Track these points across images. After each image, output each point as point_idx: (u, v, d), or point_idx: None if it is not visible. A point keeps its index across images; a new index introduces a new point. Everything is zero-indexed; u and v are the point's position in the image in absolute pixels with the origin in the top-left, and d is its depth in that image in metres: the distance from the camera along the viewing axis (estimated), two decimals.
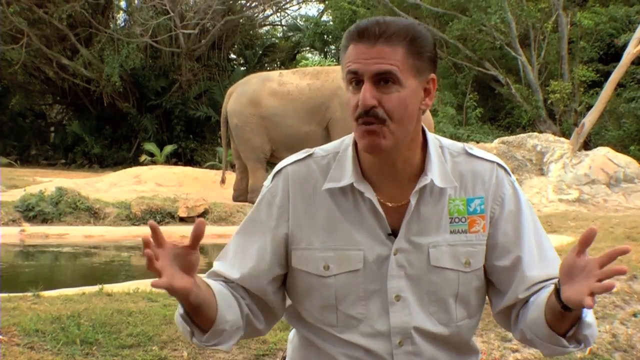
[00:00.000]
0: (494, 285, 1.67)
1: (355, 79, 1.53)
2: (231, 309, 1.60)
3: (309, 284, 1.63)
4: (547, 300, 1.54)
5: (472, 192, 1.63)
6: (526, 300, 1.63)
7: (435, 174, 1.59)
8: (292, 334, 1.78)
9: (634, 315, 4.76)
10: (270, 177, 1.69)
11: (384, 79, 1.51)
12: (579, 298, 1.42)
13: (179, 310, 1.57)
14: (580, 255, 1.46)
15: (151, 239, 1.44)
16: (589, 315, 1.54)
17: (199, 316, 1.55)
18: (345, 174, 1.61)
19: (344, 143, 1.66)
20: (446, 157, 1.64)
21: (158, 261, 1.43)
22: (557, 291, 1.49)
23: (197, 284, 1.50)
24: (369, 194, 1.59)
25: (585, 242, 1.45)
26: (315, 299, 1.63)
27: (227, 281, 1.66)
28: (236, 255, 1.66)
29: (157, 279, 1.43)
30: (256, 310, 1.66)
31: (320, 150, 1.68)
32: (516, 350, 4.24)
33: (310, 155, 1.67)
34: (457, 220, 1.62)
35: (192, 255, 1.46)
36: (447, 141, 1.67)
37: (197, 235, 1.45)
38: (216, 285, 1.61)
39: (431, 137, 1.64)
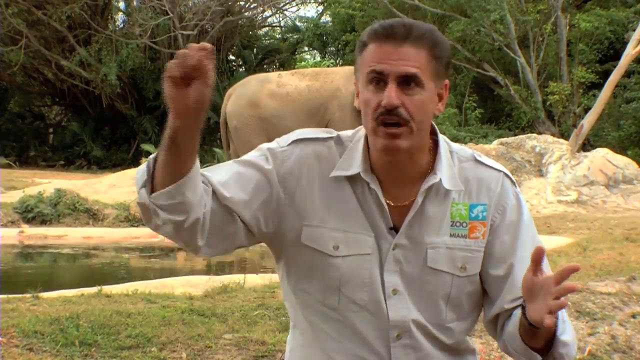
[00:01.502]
0: (487, 293, 1.68)
1: (378, 79, 1.54)
2: (195, 192, 1.50)
3: (314, 262, 1.63)
4: (520, 316, 1.56)
5: (476, 198, 1.64)
6: (511, 313, 1.64)
7: (443, 175, 1.61)
8: (290, 335, 1.78)
9: (633, 316, 4.76)
10: (287, 139, 1.66)
11: (407, 81, 1.53)
12: (540, 317, 1.45)
13: (151, 156, 1.50)
14: (536, 273, 1.48)
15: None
16: (565, 334, 1.56)
17: (169, 160, 1.45)
18: (353, 165, 1.62)
19: (358, 134, 1.67)
20: (454, 161, 1.65)
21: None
22: (523, 309, 1.52)
23: (196, 125, 1.46)
24: (374, 185, 1.61)
25: (537, 261, 1.47)
26: (317, 278, 1.63)
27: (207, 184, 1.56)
28: (230, 177, 1.59)
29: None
30: (208, 226, 1.55)
31: (338, 136, 1.68)
32: None
33: (332, 138, 1.67)
34: (458, 224, 1.63)
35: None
36: (456, 146, 1.69)
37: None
38: (198, 169, 1.51)
39: (442, 140, 1.66)
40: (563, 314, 1.57)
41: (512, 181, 1.69)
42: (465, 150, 1.69)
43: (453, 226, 1.62)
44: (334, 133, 1.68)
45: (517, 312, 1.59)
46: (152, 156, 1.50)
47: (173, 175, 1.46)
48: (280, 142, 1.66)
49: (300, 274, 1.65)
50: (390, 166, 1.61)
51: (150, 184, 1.49)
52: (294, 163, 1.62)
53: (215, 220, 1.55)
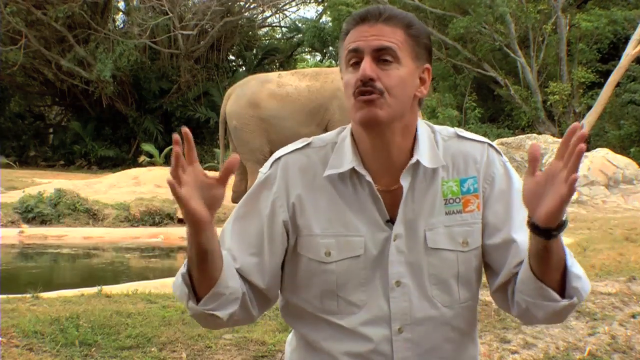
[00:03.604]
0: (489, 265, 1.67)
1: (356, 58, 1.56)
2: (234, 278, 1.59)
3: (310, 270, 1.64)
4: (528, 251, 1.53)
5: (465, 172, 1.65)
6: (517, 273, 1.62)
7: (423, 156, 1.61)
8: (290, 335, 1.78)
9: (633, 316, 4.76)
10: (268, 164, 1.69)
11: (383, 57, 1.55)
12: (555, 201, 1.42)
13: (182, 269, 1.55)
14: (535, 173, 1.46)
15: (181, 154, 1.42)
16: (575, 267, 1.53)
17: (203, 269, 1.52)
18: (345, 161, 1.63)
19: (341, 134, 1.68)
20: (438, 141, 1.66)
21: (184, 176, 1.43)
22: (532, 225, 1.47)
23: (213, 228, 1.49)
24: (369, 177, 1.61)
25: (534, 159, 1.46)
26: (315, 285, 1.64)
27: None
28: (235, 242, 1.65)
29: (177, 186, 1.41)
30: (252, 296, 1.65)
31: (318, 139, 1.69)
32: (515, 352, 4.23)
33: (308, 145, 1.68)
34: (451, 201, 1.63)
35: (218, 190, 1.46)
36: (439, 127, 1.70)
37: (229, 169, 1.44)
38: (222, 252, 1.59)
39: (422, 123, 1.67)
40: (569, 254, 1.55)
41: (497, 151, 1.69)
42: (447, 128, 1.70)
43: (447, 204, 1.63)
44: (309, 139, 1.70)
45: (524, 261, 1.56)
46: (183, 271, 1.55)
47: (211, 276, 1.54)
48: (263, 170, 1.69)
49: (300, 283, 1.66)
50: (377, 153, 1.61)
51: (194, 295, 1.56)
52: (280, 182, 1.65)
53: (254, 291, 1.65)
